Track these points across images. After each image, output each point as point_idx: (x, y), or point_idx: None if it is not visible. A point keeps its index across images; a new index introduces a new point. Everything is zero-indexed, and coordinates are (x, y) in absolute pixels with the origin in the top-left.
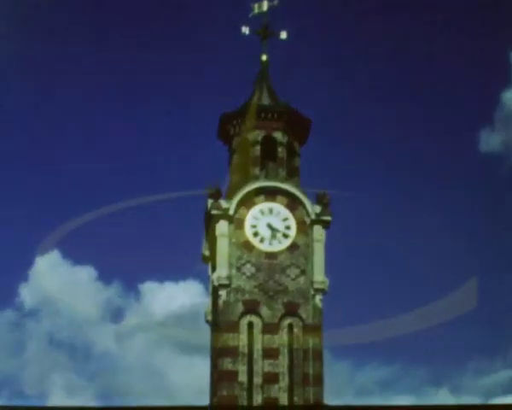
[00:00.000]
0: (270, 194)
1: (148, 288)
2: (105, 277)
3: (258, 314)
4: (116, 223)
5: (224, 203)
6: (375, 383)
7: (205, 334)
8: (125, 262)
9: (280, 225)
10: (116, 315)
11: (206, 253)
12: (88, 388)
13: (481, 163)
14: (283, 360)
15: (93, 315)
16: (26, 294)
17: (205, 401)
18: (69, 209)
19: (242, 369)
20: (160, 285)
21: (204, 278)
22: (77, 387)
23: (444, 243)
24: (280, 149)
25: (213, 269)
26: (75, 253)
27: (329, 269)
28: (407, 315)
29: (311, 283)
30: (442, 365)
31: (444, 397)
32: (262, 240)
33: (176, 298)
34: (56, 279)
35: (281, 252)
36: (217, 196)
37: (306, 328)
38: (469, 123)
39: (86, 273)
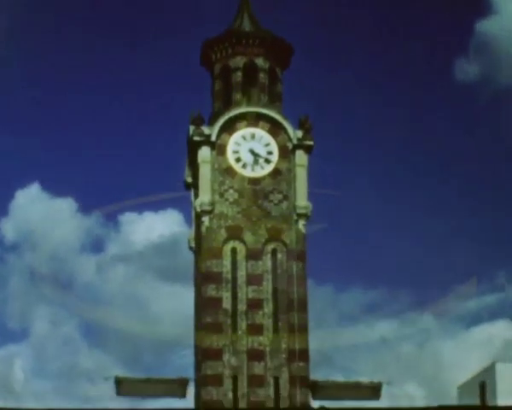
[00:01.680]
0: (253, 119)
1: (128, 218)
2: (85, 208)
3: (242, 240)
4: (96, 154)
5: (206, 129)
6: (358, 307)
7: (187, 261)
8: (105, 193)
9: (262, 151)
10: (96, 246)
11: (189, 179)
12: (71, 319)
13: (457, 92)
14: (267, 286)
15: (74, 247)
16: (7, 228)
17: (189, 328)
18: (49, 141)
19: (226, 295)
20: (139, 216)
21: (184, 208)
22: (60, 319)
23: (422, 166)
24: (262, 75)
25: (196, 196)
26: (55, 185)
27: (312, 194)
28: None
29: (294, 208)
30: (426, 289)
31: (427, 322)
32: (244, 166)
33: (155, 228)
34: (37, 212)
35: (263, 177)
36: (199, 122)
37: (290, 253)
38: (444, 52)
39: (66, 205)
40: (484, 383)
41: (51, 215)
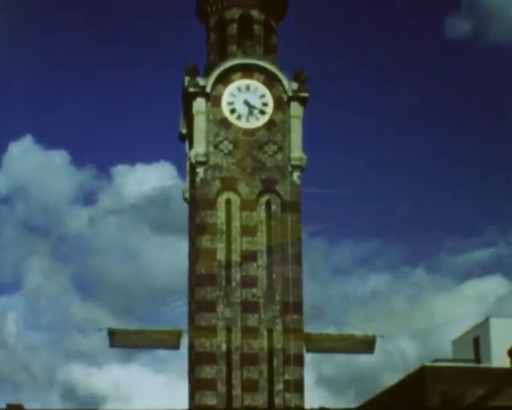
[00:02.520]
0: (247, 71)
1: (120, 171)
2: (77, 161)
3: (236, 191)
4: (89, 107)
5: (201, 81)
6: (351, 260)
7: (180, 213)
8: (98, 146)
9: (257, 102)
10: (89, 199)
11: (184, 131)
12: (63, 271)
13: (447, 49)
14: (262, 238)
15: (66, 199)
16: (0, 181)
17: (183, 279)
18: (41, 93)
19: (221, 247)
20: (131, 168)
21: (177, 160)
22: (52, 270)
23: (415, 117)
24: (257, 27)
25: (191, 147)
26: (47, 138)
27: (307, 146)
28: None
29: (289, 159)
30: (418, 243)
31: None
32: (239, 117)
33: (148, 180)
34: (29, 165)
35: (258, 129)
36: (194, 73)
37: (284, 205)
38: (435, 9)
39: (59, 158)
40: (478, 338)
41: (44, 168)
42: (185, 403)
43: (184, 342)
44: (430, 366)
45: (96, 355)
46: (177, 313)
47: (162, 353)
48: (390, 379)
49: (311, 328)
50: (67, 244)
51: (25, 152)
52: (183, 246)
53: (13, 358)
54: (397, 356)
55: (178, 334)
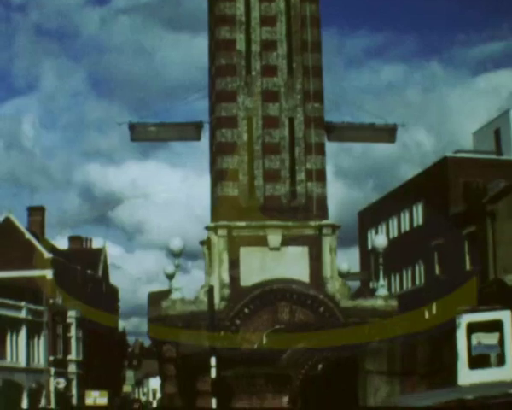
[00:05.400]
0: None
1: None
2: None
3: None
4: None
5: None
6: (364, 51)
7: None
8: None
9: None
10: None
11: None
12: (78, 71)
13: None
14: (281, 28)
15: (78, 1)
16: None
17: (198, 76)
18: None
19: (240, 37)
20: None
21: None
22: (67, 71)
23: None
24: None
25: None
26: None
27: None
28: None
29: None
30: (431, 35)
31: (434, 68)
32: None
33: None
34: None
35: None
36: None
37: None
38: None
39: None
40: (499, 131)
41: None
42: (204, 196)
43: (205, 134)
44: (452, 156)
45: (113, 153)
46: (194, 109)
47: (179, 148)
48: (407, 172)
49: (328, 119)
50: (81, 45)
51: None
52: (198, 42)
53: (30, 161)
54: (413, 148)
55: (199, 126)
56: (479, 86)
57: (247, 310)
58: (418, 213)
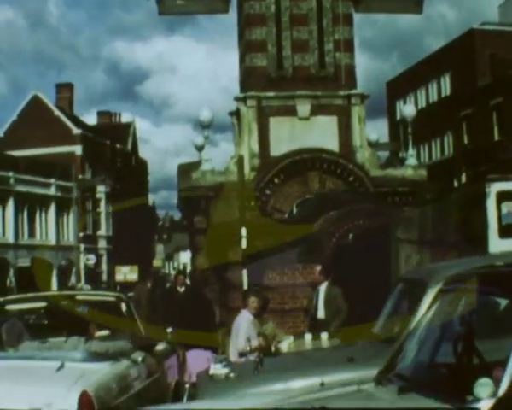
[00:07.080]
0: None
1: None
2: None
3: None
4: None
5: None
6: None
7: None
8: None
9: None
10: None
11: None
12: None
13: None
14: None
15: None
16: None
17: None
18: None
19: None
20: None
21: None
22: None
23: None
24: None
25: None
26: None
27: None
28: None
29: None
30: None
31: None
32: None
33: None
34: None
35: None
36: None
37: None
38: None
39: None
40: None
41: None
42: (230, 70)
43: (233, 7)
44: (479, 28)
45: (139, 29)
46: None
47: (205, 23)
48: (431, 43)
49: None
50: None
51: None
52: None
53: (57, 38)
54: (437, 20)
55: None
56: None
57: (277, 180)
58: (446, 84)
